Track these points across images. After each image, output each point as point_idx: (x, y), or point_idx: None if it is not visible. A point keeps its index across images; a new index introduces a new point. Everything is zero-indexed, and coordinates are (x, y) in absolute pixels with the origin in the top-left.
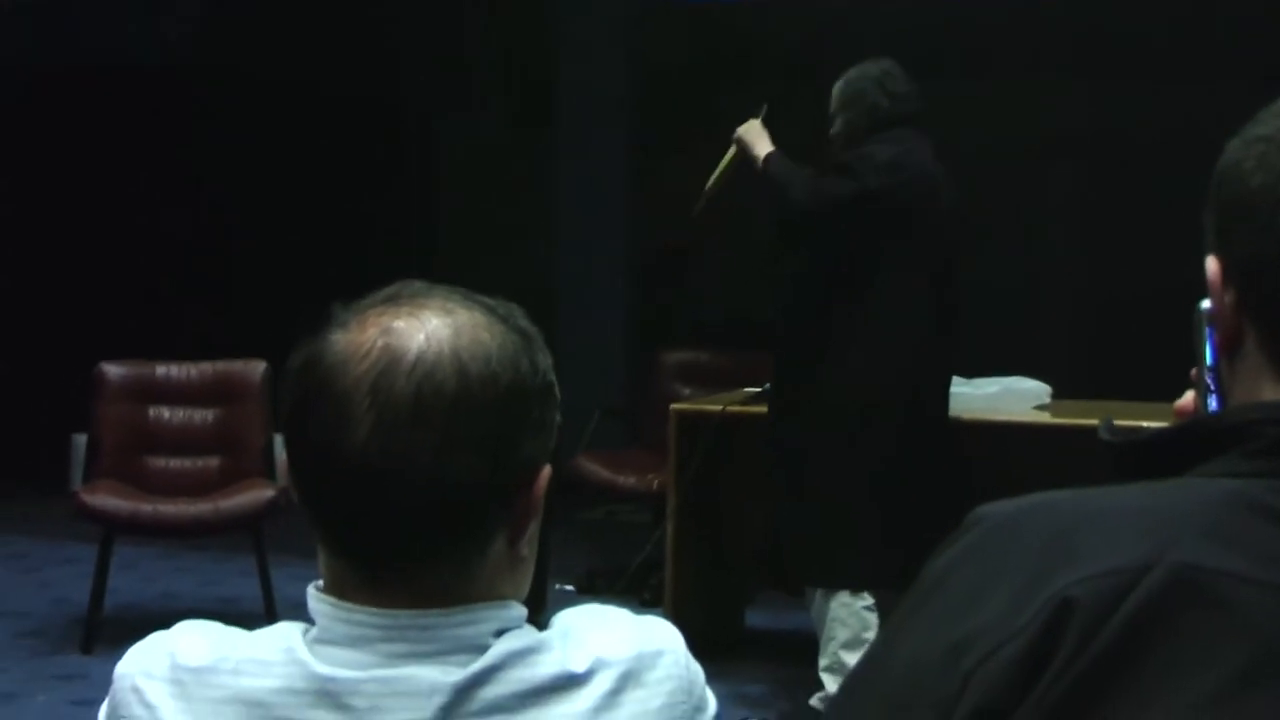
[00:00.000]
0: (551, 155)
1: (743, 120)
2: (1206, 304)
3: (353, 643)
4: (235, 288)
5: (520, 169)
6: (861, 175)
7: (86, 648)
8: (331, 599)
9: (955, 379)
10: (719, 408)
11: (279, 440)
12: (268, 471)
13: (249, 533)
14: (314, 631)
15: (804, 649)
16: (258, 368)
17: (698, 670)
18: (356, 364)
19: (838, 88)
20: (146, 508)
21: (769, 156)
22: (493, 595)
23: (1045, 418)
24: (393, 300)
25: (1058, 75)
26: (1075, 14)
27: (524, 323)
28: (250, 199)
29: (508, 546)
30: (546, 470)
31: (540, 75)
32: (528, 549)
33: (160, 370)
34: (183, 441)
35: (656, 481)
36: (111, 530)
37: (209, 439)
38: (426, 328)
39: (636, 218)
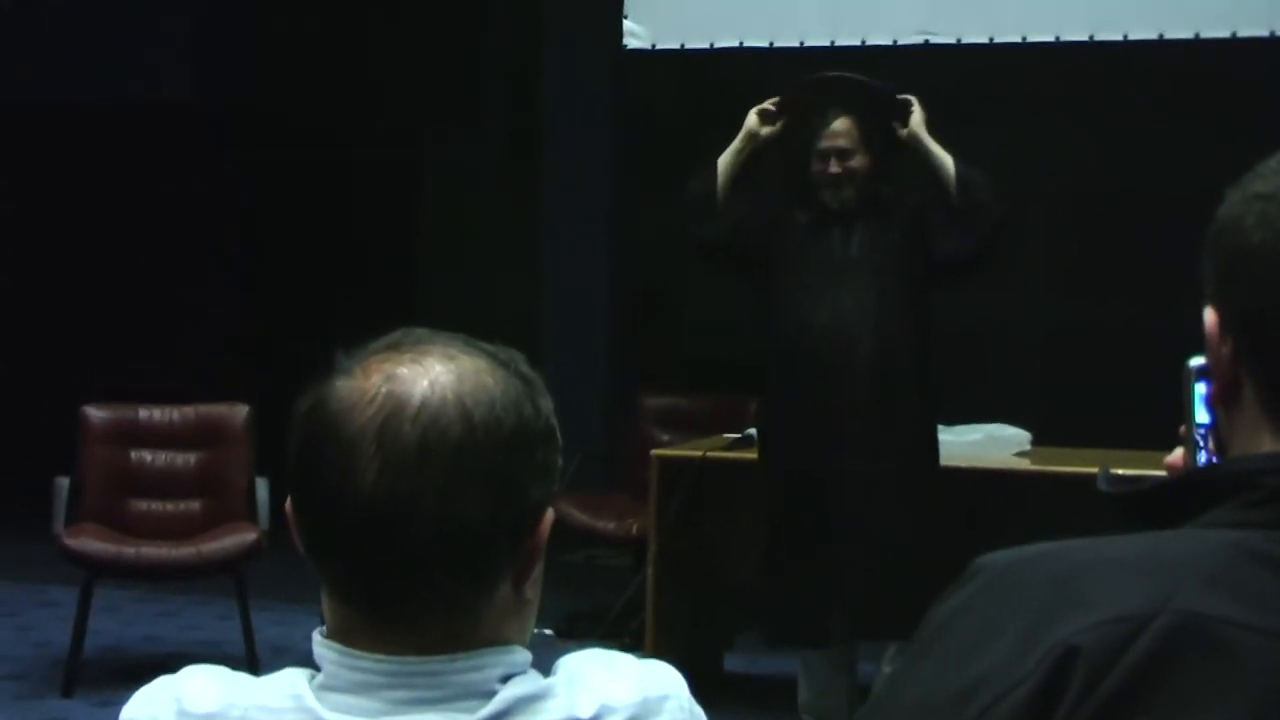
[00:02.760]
0: (534, 198)
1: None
2: (1195, 361)
3: (359, 689)
4: (218, 327)
5: (502, 211)
6: None
7: (67, 691)
8: (337, 645)
9: (940, 426)
10: (699, 453)
11: (261, 483)
12: (250, 515)
13: (231, 576)
14: (320, 678)
15: (783, 692)
16: (240, 411)
17: (701, 715)
18: (361, 411)
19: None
20: (129, 550)
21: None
22: (498, 639)
23: (1026, 464)
24: (395, 347)
25: (1035, 120)
26: (1054, 60)
27: (525, 368)
28: (228, 235)
29: (513, 590)
30: (550, 513)
31: (524, 117)
32: (532, 592)
33: (143, 413)
34: (165, 484)
35: (636, 526)
36: (94, 573)
37: (191, 482)
38: (430, 374)
39: (618, 263)
